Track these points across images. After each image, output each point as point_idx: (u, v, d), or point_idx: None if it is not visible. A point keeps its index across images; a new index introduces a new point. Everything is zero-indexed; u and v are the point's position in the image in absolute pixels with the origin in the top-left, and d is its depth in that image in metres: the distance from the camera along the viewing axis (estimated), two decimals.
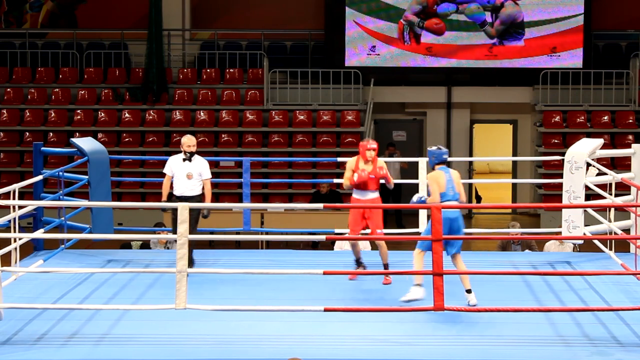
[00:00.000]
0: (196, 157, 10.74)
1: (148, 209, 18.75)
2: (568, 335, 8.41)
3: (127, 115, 21.58)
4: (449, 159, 23.65)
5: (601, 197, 10.99)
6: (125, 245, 13.95)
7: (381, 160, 10.19)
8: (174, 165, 10.72)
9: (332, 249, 12.97)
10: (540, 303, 9.37)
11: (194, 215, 10.45)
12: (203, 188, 10.74)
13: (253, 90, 21.85)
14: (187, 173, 10.65)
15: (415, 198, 9.44)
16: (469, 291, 8.99)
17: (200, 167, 10.73)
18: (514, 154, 22.64)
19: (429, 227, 8.78)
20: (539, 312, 8.71)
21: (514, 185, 22.76)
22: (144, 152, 21.07)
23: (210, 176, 10.81)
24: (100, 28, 22.84)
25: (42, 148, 11.78)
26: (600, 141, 11.49)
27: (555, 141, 21.31)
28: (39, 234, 10.80)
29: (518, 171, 22.52)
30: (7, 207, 9.63)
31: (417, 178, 12.09)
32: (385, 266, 10.09)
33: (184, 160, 10.69)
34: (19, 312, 8.78)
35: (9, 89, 21.94)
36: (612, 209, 11.38)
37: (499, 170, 27.62)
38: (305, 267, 10.15)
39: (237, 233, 13.53)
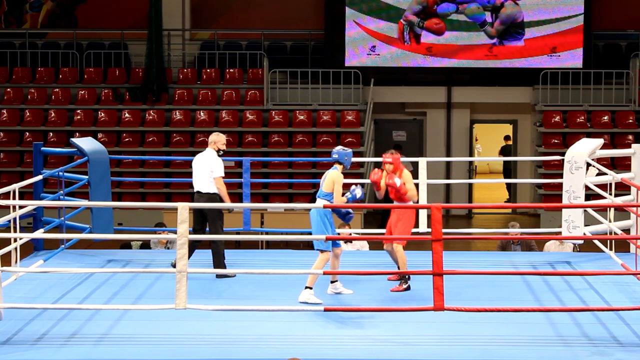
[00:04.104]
0: None
1: (148, 209, 18.75)
2: (568, 335, 8.41)
3: (127, 115, 21.58)
4: (449, 159, 23.64)
5: (601, 197, 10.99)
6: (125, 245, 13.94)
7: (405, 174, 10.06)
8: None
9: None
10: (540, 303, 9.37)
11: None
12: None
13: (253, 90, 21.85)
14: None
15: (349, 194, 9.57)
16: (308, 287, 9.27)
17: None
18: (514, 154, 22.66)
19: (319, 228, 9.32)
20: (539, 312, 8.71)
21: (514, 185, 22.77)
22: (144, 152, 21.07)
23: None
24: (100, 28, 22.83)
25: (42, 148, 11.78)
26: (600, 141, 11.49)
27: (555, 141, 21.31)
28: (39, 234, 10.80)
29: (518, 171, 22.53)
30: (7, 207, 9.63)
31: (416, 178, 12.06)
32: (401, 276, 9.92)
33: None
34: (19, 312, 8.78)
35: (9, 89, 21.94)
36: (612, 209, 11.38)
37: (499, 170, 27.62)
38: (305, 267, 10.13)
39: (237, 233, 13.52)
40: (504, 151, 23.63)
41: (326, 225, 9.43)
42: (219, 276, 10.26)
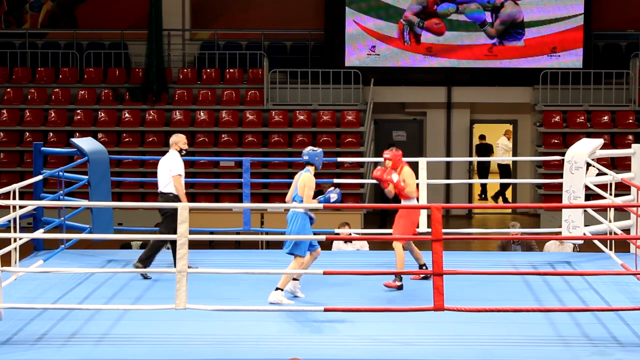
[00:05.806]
0: None
1: (148, 209, 18.74)
2: (568, 335, 8.41)
3: (127, 115, 21.58)
4: (449, 159, 23.58)
5: (601, 197, 10.99)
6: (125, 245, 13.95)
7: (406, 170, 10.10)
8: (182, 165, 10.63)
9: (331, 249, 12.97)
10: (540, 303, 9.37)
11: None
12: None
13: (253, 90, 21.86)
14: None
15: (322, 197, 9.56)
16: (278, 289, 9.22)
17: None
18: (514, 154, 22.66)
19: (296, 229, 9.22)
20: (539, 312, 8.71)
21: (514, 185, 22.76)
22: (144, 152, 21.07)
23: None
24: (100, 28, 22.84)
25: (42, 148, 11.78)
26: (600, 141, 11.49)
27: (555, 141, 21.31)
28: (39, 234, 10.80)
29: (518, 171, 22.53)
30: (7, 207, 9.63)
31: (416, 178, 12.04)
32: (396, 274, 9.92)
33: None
34: (19, 312, 8.78)
35: (9, 89, 21.94)
36: (612, 209, 11.38)
37: (496, 171, 27.59)
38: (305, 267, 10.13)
39: (237, 233, 13.52)
40: (479, 149, 23.23)
41: (306, 228, 9.37)
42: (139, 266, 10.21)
